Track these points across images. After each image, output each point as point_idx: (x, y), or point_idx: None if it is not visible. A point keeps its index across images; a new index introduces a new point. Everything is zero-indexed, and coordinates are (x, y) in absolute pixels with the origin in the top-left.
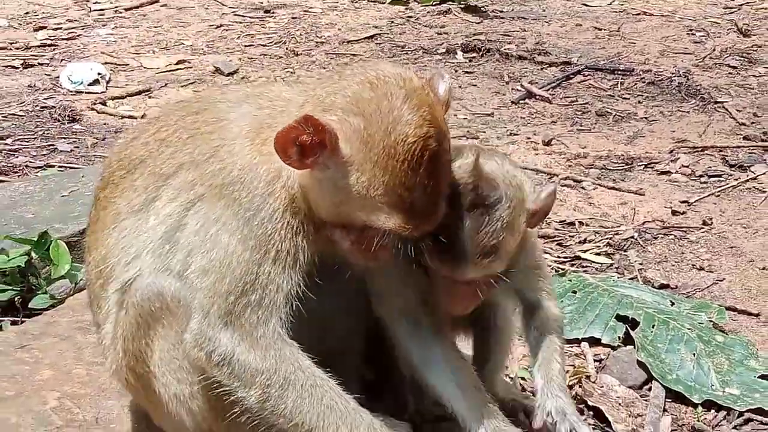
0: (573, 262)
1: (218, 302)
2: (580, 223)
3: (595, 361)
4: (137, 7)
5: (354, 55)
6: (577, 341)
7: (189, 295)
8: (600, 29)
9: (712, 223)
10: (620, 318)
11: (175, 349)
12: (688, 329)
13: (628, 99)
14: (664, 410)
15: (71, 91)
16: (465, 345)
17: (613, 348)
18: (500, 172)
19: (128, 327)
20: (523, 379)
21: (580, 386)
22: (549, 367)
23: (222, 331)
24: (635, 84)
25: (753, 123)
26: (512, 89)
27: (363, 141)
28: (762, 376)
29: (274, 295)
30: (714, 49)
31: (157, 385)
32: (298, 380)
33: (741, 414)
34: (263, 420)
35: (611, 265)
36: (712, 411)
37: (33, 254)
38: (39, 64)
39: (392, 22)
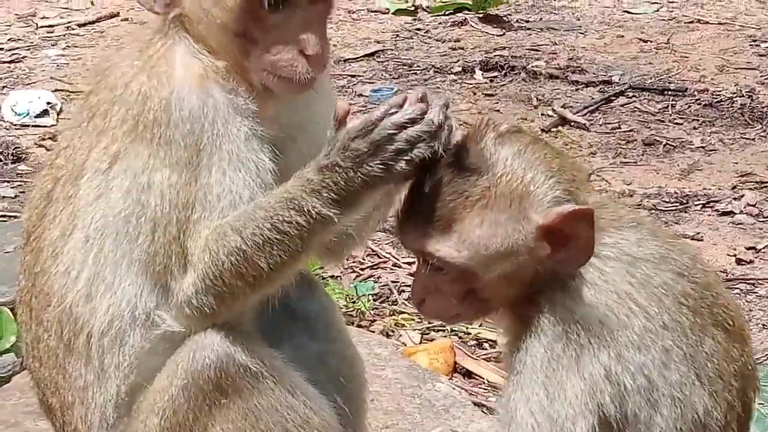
0: None
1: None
2: None
3: None
4: (93, 23)
5: (353, 76)
6: None
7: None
8: (646, 41)
9: None
10: None
11: None
12: (760, 404)
13: (681, 125)
14: None
15: (15, 125)
16: None
17: None
18: (512, 156)
19: None
20: None
21: None
22: None
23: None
24: (689, 106)
25: None
26: (542, 114)
27: None
28: None
29: (214, 201)
30: None
31: None
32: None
33: None
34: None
35: None
36: None
37: None
38: None
39: (397, 35)
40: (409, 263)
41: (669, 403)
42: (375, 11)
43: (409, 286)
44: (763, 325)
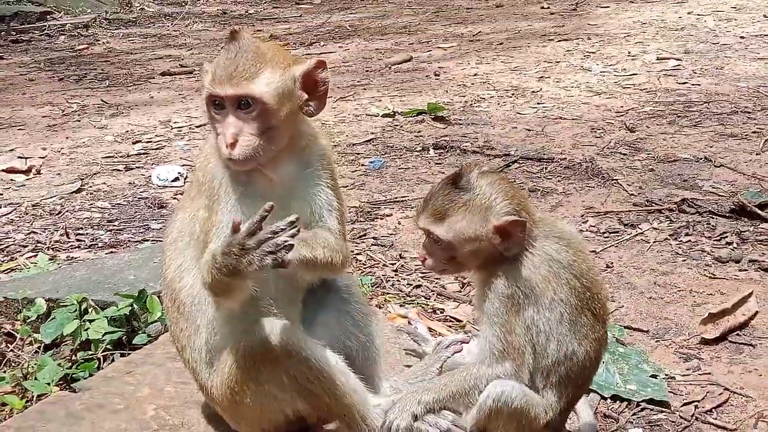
0: None
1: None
2: None
3: None
4: (205, 125)
5: (357, 153)
6: None
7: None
8: (530, 130)
9: (613, 266)
10: None
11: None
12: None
13: (551, 179)
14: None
15: (159, 186)
16: None
17: None
18: (486, 184)
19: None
20: None
21: None
22: None
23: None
24: (555, 168)
25: (639, 194)
26: None
27: None
28: (652, 376)
29: (220, 234)
30: (610, 142)
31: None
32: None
33: (638, 404)
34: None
35: None
36: (618, 402)
37: (135, 305)
38: (136, 167)
39: (383, 129)
40: (393, 263)
41: (555, 343)
42: (370, 115)
43: (394, 278)
44: None
